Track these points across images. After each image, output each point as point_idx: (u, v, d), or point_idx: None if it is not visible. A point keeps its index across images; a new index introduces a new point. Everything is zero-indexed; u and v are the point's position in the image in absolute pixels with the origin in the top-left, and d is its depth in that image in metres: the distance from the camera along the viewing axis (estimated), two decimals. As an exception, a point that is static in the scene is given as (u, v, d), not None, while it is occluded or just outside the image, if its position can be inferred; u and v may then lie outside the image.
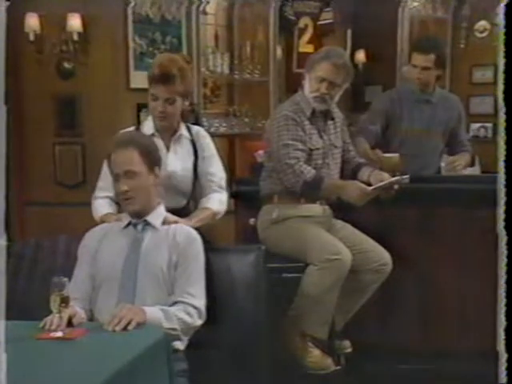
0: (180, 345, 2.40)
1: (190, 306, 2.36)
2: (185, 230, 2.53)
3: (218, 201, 2.91)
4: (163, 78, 2.78)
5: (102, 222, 2.75)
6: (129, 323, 2.10)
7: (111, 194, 2.80)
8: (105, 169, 2.79)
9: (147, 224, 2.50)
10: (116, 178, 2.46)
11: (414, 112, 3.83)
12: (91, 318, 2.39)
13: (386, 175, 3.25)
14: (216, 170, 2.97)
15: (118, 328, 2.08)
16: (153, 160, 2.49)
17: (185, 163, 2.92)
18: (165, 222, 2.53)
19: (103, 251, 2.47)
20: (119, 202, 2.55)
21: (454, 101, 3.97)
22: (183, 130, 2.95)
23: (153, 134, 2.89)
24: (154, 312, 2.25)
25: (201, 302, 2.40)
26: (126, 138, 2.56)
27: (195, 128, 3.02)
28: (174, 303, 2.36)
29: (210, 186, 2.94)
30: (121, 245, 2.46)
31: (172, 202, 2.80)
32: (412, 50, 3.93)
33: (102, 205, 2.85)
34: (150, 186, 2.49)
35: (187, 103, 2.93)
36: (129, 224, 2.51)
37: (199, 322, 2.38)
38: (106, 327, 2.10)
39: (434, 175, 3.63)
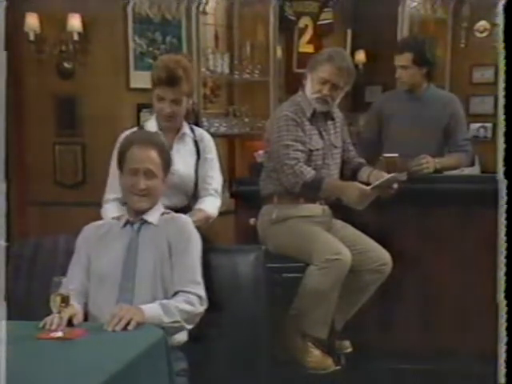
0: (181, 337, 2.41)
1: (191, 294, 2.36)
2: (176, 217, 2.54)
3: (212, 205, 2.95)
4: (170, 80, 2.80)
5: None
6: (128, 323, 2.10)
7: (119, 195, 2.80)
8: (112, 169, 2.79)
9: (144, 222, 2.50)
10: (133, 172, 2.44)
11: (403, 111, 3.83)
12: (86, 313, 2.39)
13: (385, 175, 3.25)
14: (215, 175, 3.00)
15: (118, 328, 2.08)
16: (167, 167, 2.52)
17: (187, 162, 2.94)
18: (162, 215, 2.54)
19: (102, 250, 2.47)
20: (126, 196, 2.53)
21: (448, 99, 3.92)
22: (186, 129, 2.97)
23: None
24: (153, 310, 2.25)
25: (200, 287, 2.40)
26: (151, 138, 2.57)
27: (199, 130, 3.06)
28: (176, 293, 2.37)
29: (206, 188, 2.96)
30: (119, 245, 2.46)
31: (174, 201, 2.81)
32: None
33: (110, 209, 2.85)
34: (160, 191, 2.52)
35: (191, 102, 2.95)
36: (126, 223, 2.51)
37: (202, 309, 2.38)
38: (106, 327, 2.10)
39: (434, 175, 3.61)
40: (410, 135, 3.77)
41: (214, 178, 2.99)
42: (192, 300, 2.35)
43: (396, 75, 3.83)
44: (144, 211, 2.49)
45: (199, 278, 2.42)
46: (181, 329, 2.35)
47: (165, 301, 2.32)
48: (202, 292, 2.40)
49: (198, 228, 2.61)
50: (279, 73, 5.84)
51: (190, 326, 2.37)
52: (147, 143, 2.48)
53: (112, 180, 2.87)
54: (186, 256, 2.43)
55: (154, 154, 2.45)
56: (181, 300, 2.34)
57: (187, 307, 2.33)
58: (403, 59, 3.78)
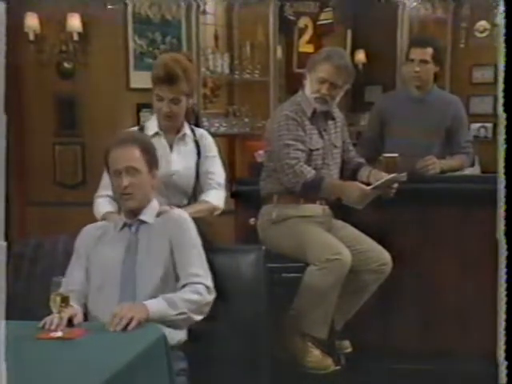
0: (180, 336, 2.40)
1: (197, 284, 2.36)
2: (173, 215, 2.54)
3: (217, 196, 2.94)
4: (168, 78, 2.80)
5: (103, 220, 2.77)
6: (129, 323, 2.10)
7: (112, 192, 2.82)
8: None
9: (141, 223, 2.50)
10: (116, 173, 2.46)
11: (405, 111, 3.81)
12: (86, 313, 2.39)
13: (384, 175, 3.26)
14: (216, 170, 3.00)
15: (118, 328, 2.08)
16: (152, 160, 2.51)
17: (188, 163, 2.94)
18: (159, 214, 2.53)
19: (100, 253, 2.47)
20: (117, 198, 2.56)
21: (451, 101, 3.92)
22: (187, 130, 2.97)
23: (157, 133, 2.90)
24: (156, 304, 2.25)
25: (207, 278, 2.40)
26: (127, 136, 2.59)
27: (200, 130, 3.07)
28: (182, 287, 2.37)
29: (209, 183, 2.96)
30: (117, 248, 2.46)
31: (174, 201, 2.82)
32: (409, 47, 3.92)
33: (102, 203, 2.87)
34: (148, 185, 2.50)
35: (191, 101, 2.95)
36: (124, 226, 2.51)
37: (210, 298, 2.38)
38: (108, 327, 2.10)
39: (434, 175, 3.61)
40: (411, 136, 3.76)
41: (216, 173, 2.98)
42: (199, 289, 2.35)
43: (416, 69, 3.74)
44: (137, 210, 2.49)
45: (204, 269, 2.43)
46: (189, 320, 2.34)
47: (168, 294, 2.32)
48: (209, 281, 2.40)
49: (199, 225, 2.61)
50: (279, 73, 5.84)
51: (199, 317, 2.36)
52: (126, 142, 2.48)
53: (105, 178, 2.88)
54: (189, 250, 2.44)
55: (133, 151, 2.45)
56: (186, 291, 2.34)
57: (194, 297, 2.33)
58: (425, 53, 3.74)
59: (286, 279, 3.19)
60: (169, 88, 2.81)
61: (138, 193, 2.46)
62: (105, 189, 2.89)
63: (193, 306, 2.32)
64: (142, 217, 2.50)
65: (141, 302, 2.24)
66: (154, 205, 2.55)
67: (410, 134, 3.76)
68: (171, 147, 2.92)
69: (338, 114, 3.44)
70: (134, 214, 2.50)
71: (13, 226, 4.76)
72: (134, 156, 2.44)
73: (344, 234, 3.27)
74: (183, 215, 2.54)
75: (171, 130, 2.94)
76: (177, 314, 2.27)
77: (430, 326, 3.51)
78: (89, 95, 4.99)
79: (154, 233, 2.47)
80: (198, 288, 2.36)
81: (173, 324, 2.27)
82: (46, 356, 1.90)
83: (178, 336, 2.38)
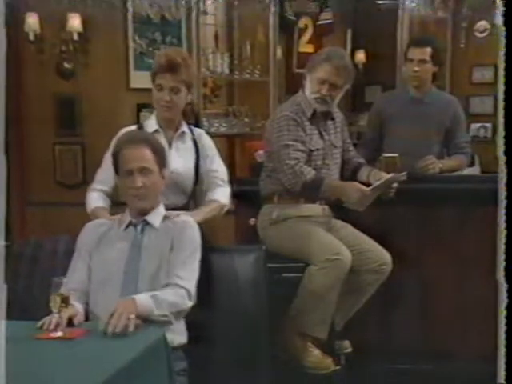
0: (181, 339, 2.40)
1: (179, 287, 2.34)
2: (181, 219, 2.54)
3: (223, 194, 2.96)
4: (169, 66, 2.84)
5: (93, 214, 2.79)
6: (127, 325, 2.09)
7: (107, 188, 2.86)
8: (106, 163, 2.81)
9: (147, 224, 2.50)
10: (128, 173, 2.45)
11: (405, 111, 3.81)
12: (87, 312, 2.39)
13: (384, 174, 3.26)
14: (218, 167, 3.02)
15: (117, 330, 2.06)
16: (162, 160, 2.52)
17: (187, 161, 2.95)
18: (165, 219, 2.53)
19: (103, 250, 2.47)
20: (126, 197, 2.53)
21: (450, 101, 3.94)
22: (185, 128, 2.99)
23: (156, 131, 2.91)
24: (144, 301, 2.23)
25: (190, 283, 2.38)
26: (139, 136, 2.60)
27: (198, 130, 3.08)
28: (166, 285, 2.36)
29: (214, 181, 2.97)
30: (122, 247, 2.46)
31: (173, 200, 2.82)
32: (408, 46, 3.93)
33: (95, 198, 2.88)
34: (159, 185, 2.51)
35: (190, 97, 2.96)
36: (129, 225, 2.51)
37: (189, 304, 2.36)
38: (105, 329, 2.07)
39: (434, 175, 3.62)
40: (411, 136, 3.77)
41: (219, 170, 3.01)
42: (181, 293, 2.34)
43: (415, 68, 3.75)
44: (145, 211, 2.49)
45: (192, 275, 2.41)
46: (167, 323, 2.32)
47: (156, 292, 2.30)
48: (192, 287, 2.38)
49: (201, 227, 2.61)
50: (279, 73, 5.84)
51: (175, 321, 2.35)
52: (137, 142, 2.48)
53: (102, 172, 2.91)
54: (181, 252, 2.42)
55: (145, 151, 2.45)
56: (170, 293, 2.32)
57: (175, 300, 2.31)
58: (424, 53, 3.75)
59: (286, 279, 3.19)
60: (170, 76, 2.84)
61: (150, 193, 2.47)
62: (100, 183, 2.90)
63: (173, 310, 2.31)
64: (149, 218, 2.50)
65: (130, 297, 2.22)
66: (161, 209, 2.55)
67: (409, 134, 3.77)
68: (170, 145, 2.93)
69: (337, 114, 3.44)
70: (141, 213, 2.50)
71: (13, 226, 4.76)
72: (147, 156, 2.45)
73: (344, 234, 3.27)
74: (189, 220, 2.54)
75: (170, 128, 2.95)
76: (159, 315, 2.25)
77: (430, 327, 3.51)
78: (89, 95, 4.99)
79: (158, 235, 2.47)
80: (180, 292, 2.34)
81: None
82: (45, 356, 1.90)
83: (177, 340, 2.37)
